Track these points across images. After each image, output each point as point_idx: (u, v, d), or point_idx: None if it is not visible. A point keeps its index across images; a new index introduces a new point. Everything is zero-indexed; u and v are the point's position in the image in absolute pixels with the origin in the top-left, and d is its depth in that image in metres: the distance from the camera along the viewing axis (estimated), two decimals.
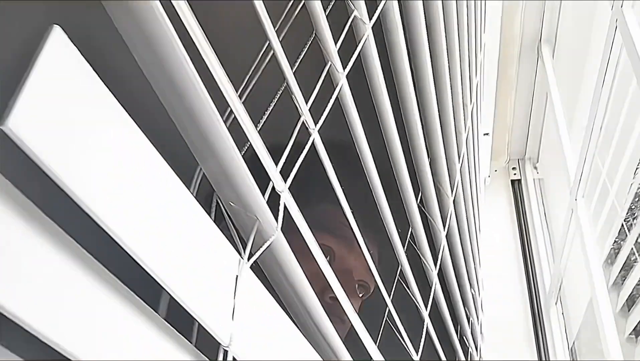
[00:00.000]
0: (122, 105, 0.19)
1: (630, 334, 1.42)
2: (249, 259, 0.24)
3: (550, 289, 1.58)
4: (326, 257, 0.60)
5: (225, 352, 0.20)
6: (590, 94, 1.14)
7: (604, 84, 1.01)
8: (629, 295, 1.45)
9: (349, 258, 0.58)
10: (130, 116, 0.19)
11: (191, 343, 0.22)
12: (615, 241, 1.53)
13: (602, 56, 0.99)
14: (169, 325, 0.20)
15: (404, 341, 0.53)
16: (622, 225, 1.42)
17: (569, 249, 1.42)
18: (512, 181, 1.87)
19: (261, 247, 0.25)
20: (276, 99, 0.34)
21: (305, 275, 0.35)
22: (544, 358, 1.51)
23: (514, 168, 1.89)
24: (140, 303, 0.19)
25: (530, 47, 1.60)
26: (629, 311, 1.48)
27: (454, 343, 0.82)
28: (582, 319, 1.44)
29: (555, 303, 1.60)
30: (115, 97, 0.18)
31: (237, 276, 0.23)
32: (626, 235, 1.45)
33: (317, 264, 0.59)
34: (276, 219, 0.26)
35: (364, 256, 0.60)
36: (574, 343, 1.50)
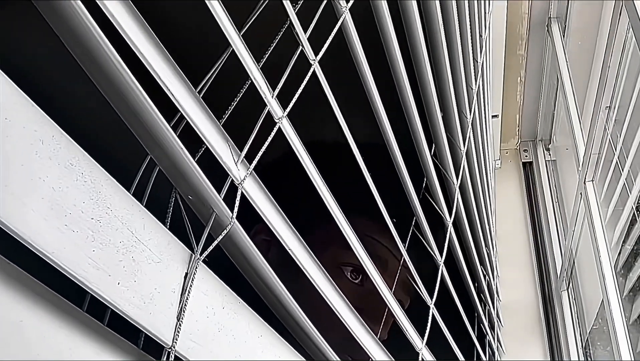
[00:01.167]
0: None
1: (637, 318, 1.40)
2: (201, 253, 0.23)
3: (561, 273, 1.56)
4: (357, 277, 0.59)
5: (168, 353, 0.20)
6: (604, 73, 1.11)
7: (611, 64, 0.98)
8: (637, 278, 1.42)
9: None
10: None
11: (137, 345, 0.21)
12: (628, 224, 1.50)
13: (609, 34, 0.96)
14: (108, 329, 0.20)
15: (420, 290, 0.53)
16: (633, 208, 1.40)
17: (579, 234, 1.39)
18: (524, 164, 1.84)
19: (217, 240, 0.24)
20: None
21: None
22: (554, 342, 1.50)
23: (525, 150, 1.85)
24: (70, 307, 0.18)
25: (539, 25, 1.56)
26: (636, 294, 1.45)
27: (472, 298, 0.83)
28: (600, 303, 1.42)
29: (567, 288, 1.58)
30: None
31: (186, 273, 0.22)
32: (637, 218, 1.42)
33: (346, 284, 0.59)
34: (231, 209, 0.25)
35: (397, 273, 0.59)
36: (589, 332, 1.48)
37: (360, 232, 0.40)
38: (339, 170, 0.44)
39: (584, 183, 1.25)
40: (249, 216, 0.29)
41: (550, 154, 1.85)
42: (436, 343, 0.57)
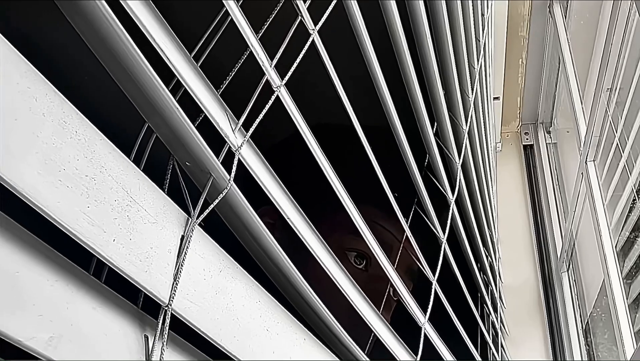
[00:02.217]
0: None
1: (632, 303, 1.40)
2: (198, 216, 0.23)
3: (562, 255, 1.56)
4: (362, 262, 0.60)
5: (165, 311, 0.20)
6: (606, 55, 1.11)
7: (612, 46, 0.97)
8: (633, 264, 1.42)
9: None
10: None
11: (137, 305, 0.21)
12: (627, 210, 1.50)
13: (610, 15, 0.95)
14: (106, 286, 0.20)
15: (423, 267, 0.53)
16: (633, 190, 1.39)
17: (580, 214, 1.39)
18: (524, 146, 1.83)
19: (214, 203, 0.24)
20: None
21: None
22: (554, 325, 1.50)
23: (526, 133, 1.84)
24: (68, 263, 0.18)
25: (541, 6, 1.55)
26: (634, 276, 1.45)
27: (474, 277, 0.83)
28: (600, 287, 1.42)
29: (567, 270, 1.58)
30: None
31: (182, 236, 0.22)
32: (635, 199, 1.42)
33: (350, 269, 0.59)
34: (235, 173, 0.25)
35: (402, 258, 0.60)
36: (589, 314, 1.48)
37: (366, 218, 0.40)
38: (341, 154, 0.44)
39: (586, 163, 1.25)
40: (252, 199, 0.29)
41: (551, 137, 1.84)
42: (441, 325, 0.57)
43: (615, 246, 1.30)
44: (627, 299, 1.13)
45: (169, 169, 0.27)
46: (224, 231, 0.29)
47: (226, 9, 0.32)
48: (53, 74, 0.22)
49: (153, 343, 0.19)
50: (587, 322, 1.49)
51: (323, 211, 0.49)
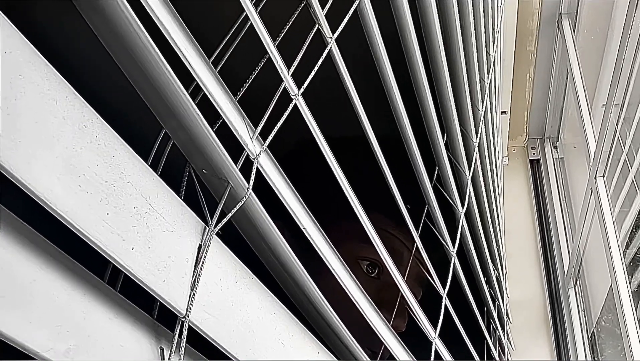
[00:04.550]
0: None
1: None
2: (215, 225, 0.23)
3: (569, 271, 1.54)
4: (374, 271, 0.59)
5: (182, 322, 0.19)
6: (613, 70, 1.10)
7: (625, 60, 0.97)
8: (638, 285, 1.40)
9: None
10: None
11: (152, 315, 0.21)
12: (632, 227, 1.48)
13: (623, 30, 0.95)
14: (122, 296, 0.19)
15: (433, 280, 0.53)
16: None
17: (588, 230, 1.38)
18: (531, 161, 1.82)
19: (232, 212, 0.24)
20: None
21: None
22: (561, 341, 1.49)
23: (532, 148, 1.84)
24: (84, 272, 0.17)
25: (550, 21, 1.55)
26: None
27: (481, 291, 0.82)
28: (604, 302, 1.41)
29: (575, 285, 1.57)
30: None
31: (199, 245, 0.21)
32: None
33: (363, 277, 0.59)
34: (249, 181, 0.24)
35: (411, 265, 0.59)
36: (594, 326, 1.47)
37: (376, 226, 0.40)
38: (352, 164, 0.43)
39: (595, 179, 1.24)
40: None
41: (557, 152, 1.84)
42: (448, 338, 0.56)
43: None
44: (636, 315, 1.12)
45: (185, 176, 0.26)
46: (235, 239, 0.29)
47: (243, 17, 0.32)
48: (72, 77, 0.21)
49: (170, 355, 0.19)
50: (594, 336, 1.47)
51: (333, 220, 0.49)
